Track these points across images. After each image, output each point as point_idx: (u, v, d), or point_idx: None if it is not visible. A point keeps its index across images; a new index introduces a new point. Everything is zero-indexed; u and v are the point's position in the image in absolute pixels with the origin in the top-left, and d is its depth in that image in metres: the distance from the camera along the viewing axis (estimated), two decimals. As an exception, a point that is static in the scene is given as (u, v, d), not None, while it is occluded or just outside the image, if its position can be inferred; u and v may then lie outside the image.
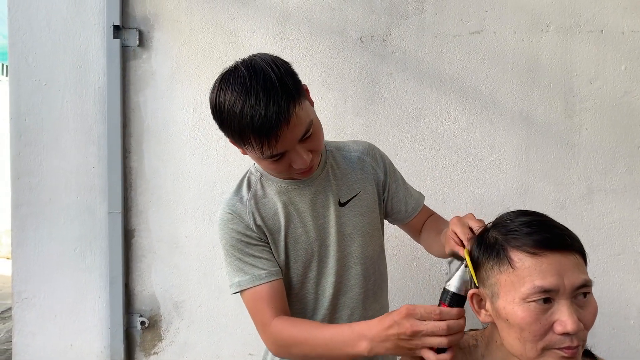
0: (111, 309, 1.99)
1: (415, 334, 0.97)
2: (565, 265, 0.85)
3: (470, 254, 1.00)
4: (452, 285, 0.99)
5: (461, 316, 0.97)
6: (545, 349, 0.85)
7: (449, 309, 0.97)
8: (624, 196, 1.93)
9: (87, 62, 1.99)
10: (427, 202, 1.46)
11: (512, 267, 0.87)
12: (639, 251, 1.93)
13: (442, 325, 0.95)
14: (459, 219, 1.10)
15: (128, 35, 1.98)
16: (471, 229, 1.06)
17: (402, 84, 1.95)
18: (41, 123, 1.99)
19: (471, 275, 0.98)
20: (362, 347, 1.05)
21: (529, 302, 0.85)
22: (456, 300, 0.98)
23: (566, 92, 1.93)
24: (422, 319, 0.97)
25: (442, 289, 1.01)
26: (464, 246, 1.04)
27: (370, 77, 1.96)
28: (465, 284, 0.98)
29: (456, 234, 1.07)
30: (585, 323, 0.85)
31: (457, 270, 1.00)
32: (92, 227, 2.00)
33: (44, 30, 1.98)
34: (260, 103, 1.05)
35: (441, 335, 0.95)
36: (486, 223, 1.03)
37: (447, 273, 1.02)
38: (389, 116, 1.96)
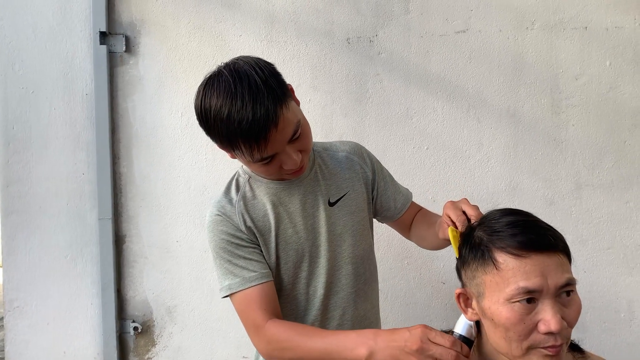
0: (104, 315, 1.98)
1: (420, 351, 0.96)
2: (549, 266, 0.86)
3: (459, 248, 1.01)
4: (459, 328, 0.99)
5: (468, 356, 0.97)
6: (530, 348, 0.86)
7: (462, 343, 0.97)
8: (611, 191, 1.95)
9: (74, 69, 1.98)
10: (416, 202, 1.47)
11: (496, 269, 0.88)
12: (627, 245, 1.95)
13: (451, 352, 0.94)
14: (453, 203, 1.10)
15: (115, 41, 1.98)
16: (465, 214, 1.05)
17: (390, 84, 1.96)
18: (29, 131, 1.99)
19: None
20: (362, 351, 1.03)
21: (513, 302, 0.85)
22: (464, 342, 0.99)
23: (552, 88, 1.94)
24: (434, 341, 0.96)
25: (449, 332, 1.02)
26: (456, 227, 1.04)
27: (358, 78, 1.96)
28: (472, 327, 0.99)
29: (450, 217, 1.07)
30: (569, 321, 0.86)
31: (461, 315, 1.01)
32: (82, 234, 2.00)
33: (30, 37, 1.97)
34: (246, 107, 1.04)
35: None
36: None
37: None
38: (377, 116, 1.96)
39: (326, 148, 1.38)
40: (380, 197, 1.40)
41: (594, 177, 1.94)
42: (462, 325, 1.00)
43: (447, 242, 1.07)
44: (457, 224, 1.05)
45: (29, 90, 1.98)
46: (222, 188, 1.31)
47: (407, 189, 1.47)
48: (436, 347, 0.95)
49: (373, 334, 1.05)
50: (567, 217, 1.95)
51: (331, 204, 1.31)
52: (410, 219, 1.45)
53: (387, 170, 1.44)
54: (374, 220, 1.46)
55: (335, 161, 1.35)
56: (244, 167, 1.29)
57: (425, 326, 0.99)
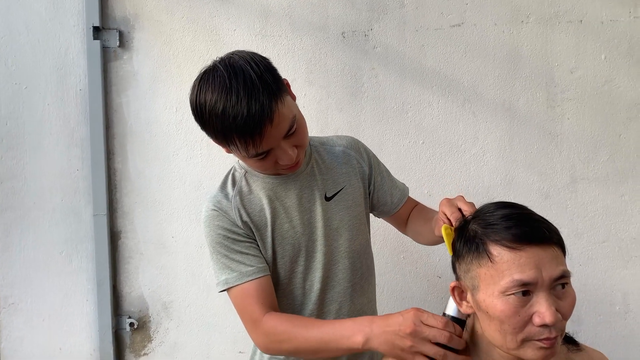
0: (99, 311, 1.98)
1: (414, 334, 0.98)
2: (544, 258, 0.86)
3: (453, 244, 1.01)
4: (451, 309, 1.01)
5: (461, 335, 0.99)
6: (525, 341, 0.87)
7: (454, 323, 0.99)
8: (607, 184, 1.95)
9: (67, 64, 1.97)
10: (412, 196, 1.47)
11: (491, 261, 0.88)
12: (622, 238, 1.95)
13: (444, 333, 0.96)
14: (449, 200, 1.12)
15: (108, 36, 1.96)
16: (460, 210, 1.06)
17: (385, 78, 1.95)
18: (23, 126, 1.97)
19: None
20: (358, 338, 1.06)
21: (508, 295, 0.86)
22: (456, 323, 1.00)
23: (547, 82, 1.94)
24: (427, 324, 0.98)
25: (441, 314, 1.03)
26: (451, 224, 1.05)
27: (353, 73, 1.96)
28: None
29: (445, 214, 1.08)
30: (564, 313, 0.86)
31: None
32: (77, 230, 1.99)
33: (23, 33, 1.96)
34: (241, 102, 1.04)
35: (440, 345, 0.96)
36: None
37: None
38: (373, 111, 1.96)
39: (323, 142, 1.38)
40: (377, 192, 1.40)
41: (589, 171, 1.95)
42: (453, 307, 1.00)
43: (443, 239, 1.08)
44: (452, 220, 1.06)
45: (22, 86, 1.97)
46: (219, 183, 1.30)
47: (403, 184, 1.47)
48: (429, 329, 0.97)
49: (368, 321, 1.07)
50: (562, 211, 1.95)
51: (328, 199, 1.31)
52: (406, 214, 1.45)
53: (383, 165, 1.44)
54: (371, 215, 1.47)
55: (332, 156, 1.35)
56: (240, 161, 1.28)
57: (418, 309, 1.01)
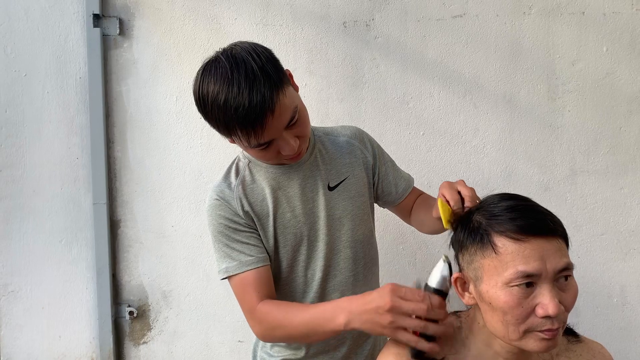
0: (99, 299, 1.98)
1: (393, 309, 0.99)
2: (548, 250, 0.86)
3: (455, 236, 1.01)
4: (433, 281, 1.00)
5: (442, 307, 0.99)
6: (527, 332, 0.87)
7: (432, 295, 0.99)
8: (606, 177, 1.95)
9: (67, 52, 1.96)
10: (413, 187, 1.47)
11: (495, 253, 0.88)
12: (621, 230, 1.96)
13: (422, 306, 0.97)
14: (449, 183, 1.12)
15: (108, 24, 1.95)
16: (460, 194, 1.07)
17: (386, 68, 1.95)
18: (22, 114, 1.96)
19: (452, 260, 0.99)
20: (340, 319, 1.07)
21: (512, 286, 0.86)
22: (438, 294, 1.00)
23: (549, 74, 1.94)
24: (405, 298, 0.99)
25: (424, 285, 1.03)
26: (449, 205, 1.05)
27: (354, 63, 1.95)
28: (445, 280, 0.99)
29: (444, 196, 1.09)
30: (566, 305, 0.87)
31: (436, 266, 1.01)
32: (77, 219, 1.99)
33: (22, 20, 1.94)
34: (243, 94, 1.05)
35: (419, 318, 0.97)
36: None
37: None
38: (374, 101, 1.96)
39: (327, 133, 1.39)
40: (382, 182, 1.41)
41: (589, 163, 1.95)
42: (435, 278, 1.00)
43: (444, 228, 1.08)
44: (451, 202, 1.06)
45: (22, 73, 1.95)
46: (222, 172, 1.32)
47: (408, 174, 1.47)
48: (408, 304, 0.98)
49: (347, 302, 1.09)
50: (561, 203, 1.95)
51: (331, 189, 1.32)
52: (411, 204, 1.46)
53: (388, 155, 1.45)
54: (376, 206, 1.47)
55: (335, 146, 1.36)
56: (244, 151, 1.29)
57: (394, 284, 1.02)
